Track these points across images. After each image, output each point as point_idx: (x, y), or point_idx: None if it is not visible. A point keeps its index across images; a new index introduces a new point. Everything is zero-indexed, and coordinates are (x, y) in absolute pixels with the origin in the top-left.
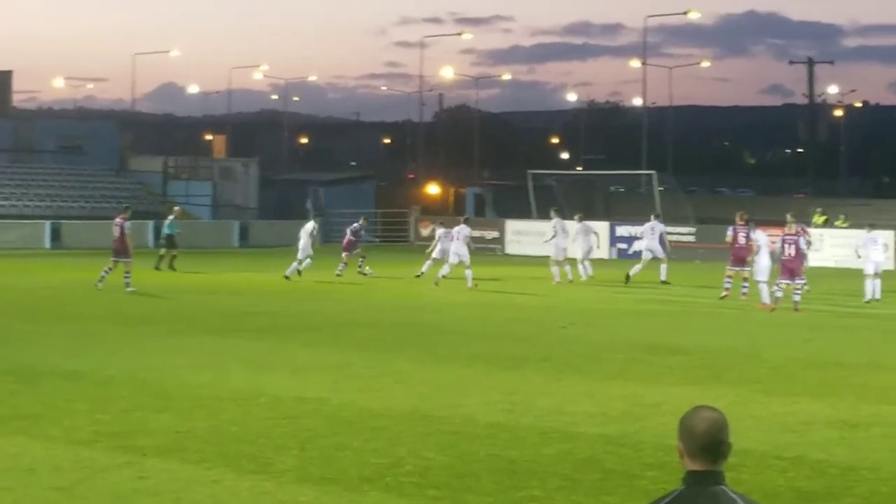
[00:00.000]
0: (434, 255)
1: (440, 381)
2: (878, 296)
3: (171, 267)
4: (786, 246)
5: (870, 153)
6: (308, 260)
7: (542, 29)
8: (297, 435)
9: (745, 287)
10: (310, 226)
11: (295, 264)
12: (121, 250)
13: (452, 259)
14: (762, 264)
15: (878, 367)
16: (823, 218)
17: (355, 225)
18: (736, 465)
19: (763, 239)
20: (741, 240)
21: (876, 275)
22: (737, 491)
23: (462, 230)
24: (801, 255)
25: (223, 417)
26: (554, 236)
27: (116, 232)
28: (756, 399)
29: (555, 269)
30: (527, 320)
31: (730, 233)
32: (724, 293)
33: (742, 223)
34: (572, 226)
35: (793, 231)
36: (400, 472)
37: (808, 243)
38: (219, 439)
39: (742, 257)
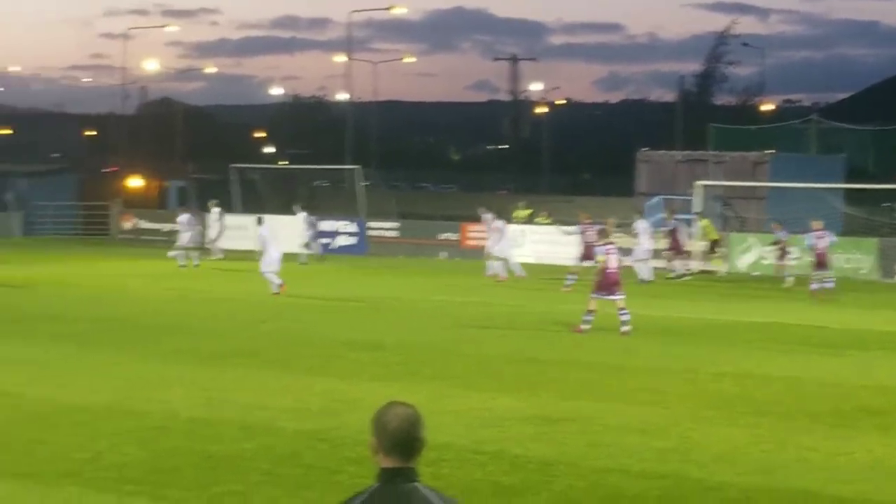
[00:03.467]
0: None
1: (140, 375)
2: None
3: None
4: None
5: (572, 150)
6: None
7: (249, 22)
8: None
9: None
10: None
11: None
12: None
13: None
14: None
15: (576, 364)
16: (527, 212)
17: None
18: (435, 459)
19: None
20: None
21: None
22: (431, 487)
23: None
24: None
25: None
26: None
27: None
28: (455, 394)
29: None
30: (227, 315)
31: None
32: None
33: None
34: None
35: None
36: (99, 466)
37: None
38: None
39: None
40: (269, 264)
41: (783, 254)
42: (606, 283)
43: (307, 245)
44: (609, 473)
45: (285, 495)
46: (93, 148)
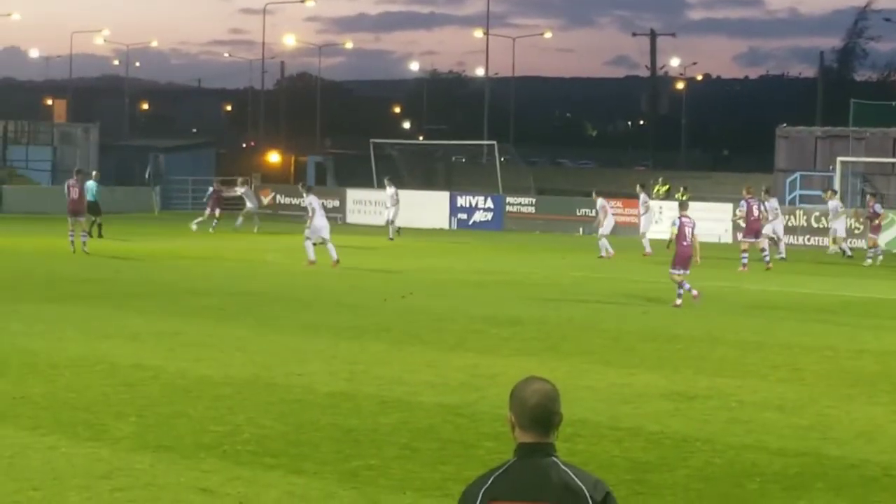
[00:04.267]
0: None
1: (280, 349)
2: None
3: (99, 234)
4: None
5: (710, 126)
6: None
7: None
8: (135, 402)
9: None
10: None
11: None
12: (78, 211)
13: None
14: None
15: (714, 340)
16: (666, 187)
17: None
18: (572, 435)
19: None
20: (755, 212)
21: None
22: (569, 462)
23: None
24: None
25: (59, 384)
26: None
27: (75, 193)
28: (592, 370)
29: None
30: (367, 289)
31: (744, 206)
32: (741, 267)
33: (750, 196)
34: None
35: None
36: (237, 440)
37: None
38: (55, 406)
39: (757, 229)
40: (313, 232)
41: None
42: (681, 258)
43: (391, 222)
44: (746, 450)
45: (422, 469)
46: (231, 123)
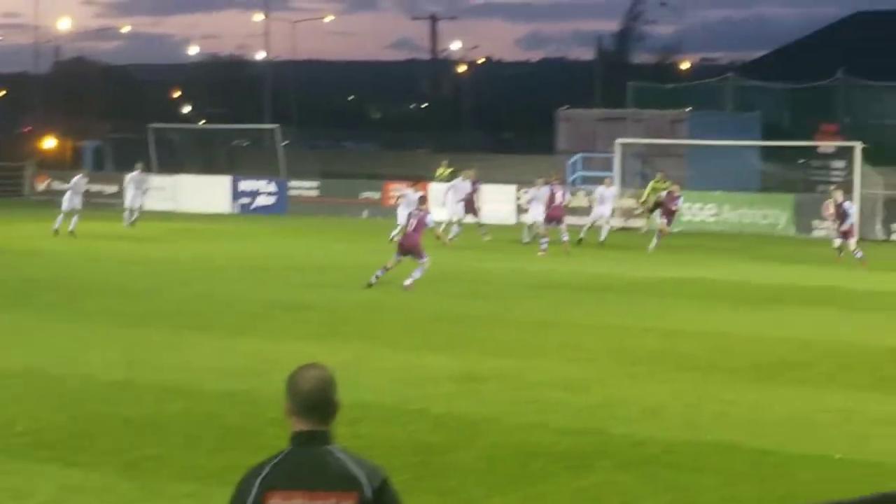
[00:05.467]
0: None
1: (57, 338)
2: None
3: None
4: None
5: (493, 109)
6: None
7: None
8: None
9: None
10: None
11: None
12: None
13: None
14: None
15: (500, 321)
16: (449, 171)
17: None
18: (358, 418)
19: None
20: (558, 198)
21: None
22: (346, 449)
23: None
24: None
25: None
26: None
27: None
28: (379, 353)
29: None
30: (147, 276)
31: (547, 191)
32: (541, 252)
33: (555, 181)
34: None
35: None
36: (11, 432)
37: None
38: None
39: (559, 216)
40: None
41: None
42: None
43: (131, 209)
44: (533, 430)
45: (204, 458)
46: (5, 108)
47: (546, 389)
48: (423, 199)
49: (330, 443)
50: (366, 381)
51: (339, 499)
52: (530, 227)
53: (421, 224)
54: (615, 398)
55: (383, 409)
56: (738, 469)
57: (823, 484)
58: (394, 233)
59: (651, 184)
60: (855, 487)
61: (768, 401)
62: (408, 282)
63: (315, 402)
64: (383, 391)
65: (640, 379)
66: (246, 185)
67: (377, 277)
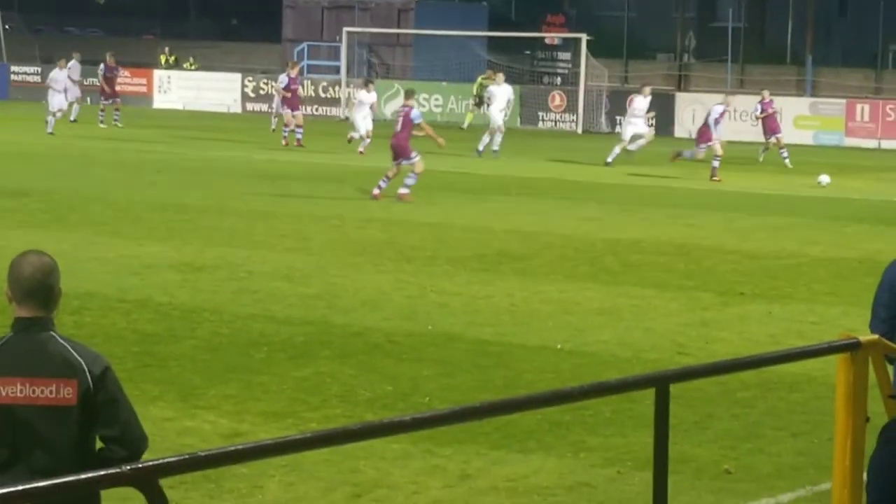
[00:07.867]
0: None
1: None
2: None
3: None
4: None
5: None
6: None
7: None
8: None
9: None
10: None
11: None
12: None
13: None
14: None
15: (223, 211)
16: (172, 58)
17: None
18: (79, 308)
19: None
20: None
21: None
22: (68, 337)
23: None
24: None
25: None
26: None
27: None
28: (100, 241)
29: None
30: None
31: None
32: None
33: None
34: None
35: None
36: None
37: None
38: None
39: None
40: None
41: None
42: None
43: None
44: (254, 320)
45: None
46: None
47: (268, 279)
48: (408, 94)
49: (51, 329)
50: (88, 270)
51: (60, 385)
52: (276, 116)
53: (407, 120)
54: (337, 288)
55: (105, 299)
56: (458, 359)
57: (543, 373)
58: (352, 133)
59: (479, 79)
60: (574, 377)
61: (489, 291)
62: (402, 190)
63: (36, 288)
64: (105, 281)
65: (362, 269)
66: None
67: (380, 188)
